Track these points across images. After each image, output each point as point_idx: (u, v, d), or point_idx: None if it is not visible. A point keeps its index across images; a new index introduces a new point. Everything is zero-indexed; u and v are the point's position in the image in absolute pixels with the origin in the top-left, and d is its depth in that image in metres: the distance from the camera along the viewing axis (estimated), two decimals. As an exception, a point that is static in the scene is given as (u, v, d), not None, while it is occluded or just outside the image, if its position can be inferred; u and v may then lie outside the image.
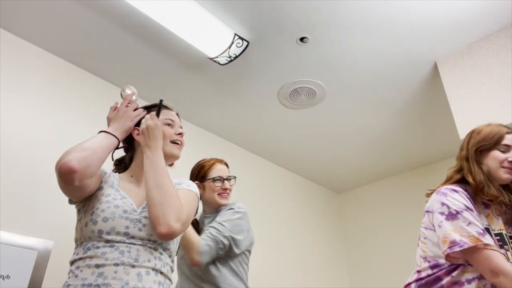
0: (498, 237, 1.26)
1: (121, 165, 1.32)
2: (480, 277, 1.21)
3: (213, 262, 1.61)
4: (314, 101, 2.74)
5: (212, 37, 2.13)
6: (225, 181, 1.77)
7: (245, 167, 3.25)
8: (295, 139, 3.19)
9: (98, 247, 1.05)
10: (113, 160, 1.30)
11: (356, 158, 3.43)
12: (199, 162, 1.85)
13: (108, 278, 1.00)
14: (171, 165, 2.19)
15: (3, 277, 1.63)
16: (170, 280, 1.15)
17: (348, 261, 3.75)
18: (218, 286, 1.59)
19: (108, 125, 1.24)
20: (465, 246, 1.18)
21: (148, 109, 1.34)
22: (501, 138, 1.35)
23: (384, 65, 2.43)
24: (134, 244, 1.07)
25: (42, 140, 2.09)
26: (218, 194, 1.75)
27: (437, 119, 2.90)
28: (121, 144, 1.24)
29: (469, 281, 1.21)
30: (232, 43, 2.16)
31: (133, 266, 1.04)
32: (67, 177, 1.03)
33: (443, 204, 1.28)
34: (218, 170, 1.78)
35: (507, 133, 1.37)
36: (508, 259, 1.22)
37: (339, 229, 3.90)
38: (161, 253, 1.12)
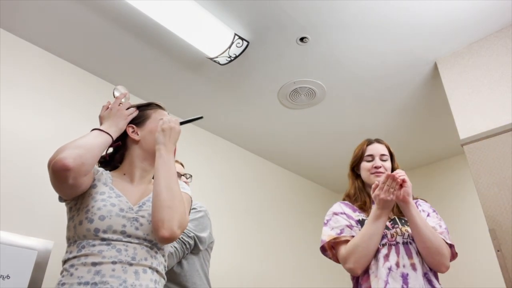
0: (391, 222, 1.51)
1: (109, 163, 1.29)
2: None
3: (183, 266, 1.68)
4: (314, 101, 2.74)
5: (212, 37, 2.13)
6: (182, 176, 1.91)
7: (245, 167, 3.25)
8: (295, 139, 3.19)
9: (93, 245, 1.04)
10: (107, 158, 1.28)
11: (356, 158, 3.43)
12: None
13: (105, 276, 0.99)
14: None
15: (3, 277, 1.63)
16: (164, 279, 1.15)
17: (348, 261, 3.74)
18: (183, 285, 1.65)
19: (101, 124, 1.23)
20: (320, 244, 1.53)
21: (139, 108, 1.32)
22: (364, 151, 1.66)
23: (384, 65, 2.43)
24: (131, 242, 1.07)
25: (42, 140, 2.09)
26: None
27: (437, 119, 2.90)
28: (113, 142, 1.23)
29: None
30: (232, 43, 2.16)
31: (131, 264, 1.04)
32: (61, 175, 1.01)
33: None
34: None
35: (368, 144, 1.68)
36: (393, 235, 1.45)
37: (339, 229, 3.90)
38: (156, 252, 1.12)
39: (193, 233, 1.69)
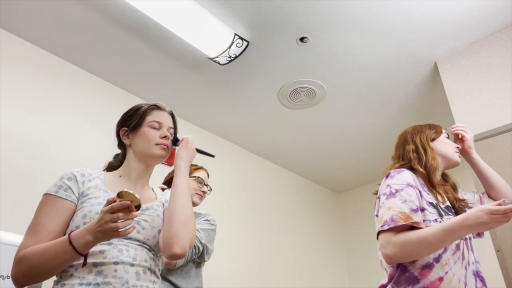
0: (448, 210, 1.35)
1: (116, 161, 1.29)
2: (445, 251, 1.22)
3: (183, 269, 1.69)
4: (314, 101, 2.74)
5: (212, 37, 2.13)
6: (205, 186, 1.91)
7: (245, 167, 3.24)
8: (295, 139, 3.19)
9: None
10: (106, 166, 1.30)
11: (356, 158, 3.43)
12: None
13: (108, 276, 0.99)
14: (171, 163, 2.20)
15: (3, 277, 1.63)
16: (160, 280, 1.16)
17: (348, 261, 3.75)
18: None
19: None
20: (390, 225, 1.19)
21: (136, 110, 1.28)
22: (441, 128, 1.54)
23: (384, 65, 2.43)
24: (132, 243, 1.07)
25: (42, 140, 2.09)
26: (196, 193, 1.87)
27: (437, 119, 2.87)
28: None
29: (437, 260, 1.20)
30: (232, 43, 2.16)
31: (132, 265, 1.04)
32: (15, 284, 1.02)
33: (387, 185, 1.32)
34: (201, 174, 1.92)
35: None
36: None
37: (339, 229, 3.90)
38: (154, 255, 1.12)
39: (204, 241, 1.71)
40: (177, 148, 1.24)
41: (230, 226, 2.88)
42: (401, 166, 1.43)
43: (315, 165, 3.57)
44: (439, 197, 1.36)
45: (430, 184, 1.38)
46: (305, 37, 2.21)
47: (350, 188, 4.00)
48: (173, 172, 1.87)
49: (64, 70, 2.33)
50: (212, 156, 1.32)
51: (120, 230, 0.93)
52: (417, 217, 1.20)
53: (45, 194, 1.13)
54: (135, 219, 1.05)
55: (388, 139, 3.19)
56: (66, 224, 1.07)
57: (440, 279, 1.18)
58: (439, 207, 1.31)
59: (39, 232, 1.04)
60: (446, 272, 1.19)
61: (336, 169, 3.63)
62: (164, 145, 1.22)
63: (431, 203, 1.29)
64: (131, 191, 0.95)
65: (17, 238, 1.77)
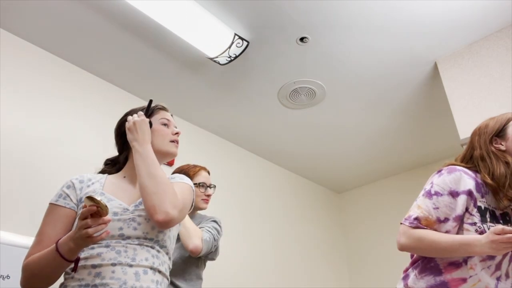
0: (503, 215, 1.25)
1: (113, 166, 1.29)
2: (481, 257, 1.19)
3: (185, 270, 1.66)
4: (314, 101, 2.74)
5: (212, 37, 2.13)
6: (208, 188, 1.85)
7: (244, 167, 3.24)
8: (295, 139, 3.19)
9: (92, 248, 1.04)
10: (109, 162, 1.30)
11: (356, 158, 3.43)
12: (182, 167, 1.87)
13: (105, 278, 1.00)
14: (171, 163, 2.16)
15: (3, 277, 1.63)
16: (167, 279, 1.15)
17: (349, 261, 3.75)
18: None
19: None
20: (411, 224, 1.21)
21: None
22: (510, 119, 1.31)
23: (384, 65, 2.43)
24: (131, 244, 1.07)
25: (42, 140, 2.09)
26: (202, 199, 1.81)
27: (437, 119, 2.90)
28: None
29: (466, 261, 1.18)
30: (232, 43, 2.17)
31: (131, 266, 1.04)
32: None
33: (431, 183, 1.27)
34: (202, 177, 1.85)
35: None
36: None
37: (339, 229, 3.90)
38: (158, 251, 1.11)
39: (218, 238, 1.70)
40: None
41: (228, 226, 2.88)
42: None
43: (315, 165, 3.57)
44: (499, 202, 1.23)
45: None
46: (305, 37, 2.21)
47: (350, 188, 4.00)
48: (177, 169, 1.87)
49: (64, 70, 2.33)
50: (150, 100, 1.28)
51: (93, 235, 0.95)
52: (440, 227, 1.20)
53: (49, 203, 1.17)
54: (129, 216, 1.09)
55: (388, 139, 3.20)
56: (67, 231, 1.09)
57: (463, 280, 1.17)
58: (489, 212, 1.21)
59: (42, 241, 1.09)
60: (470, 276, 1.17)
61: (336, 169, 3.63)
62: (177, 142, 1.27)
63: (480, 207, 1.20)
64: (97, 197, 0.96)
65: (17, 238, 1.77)
